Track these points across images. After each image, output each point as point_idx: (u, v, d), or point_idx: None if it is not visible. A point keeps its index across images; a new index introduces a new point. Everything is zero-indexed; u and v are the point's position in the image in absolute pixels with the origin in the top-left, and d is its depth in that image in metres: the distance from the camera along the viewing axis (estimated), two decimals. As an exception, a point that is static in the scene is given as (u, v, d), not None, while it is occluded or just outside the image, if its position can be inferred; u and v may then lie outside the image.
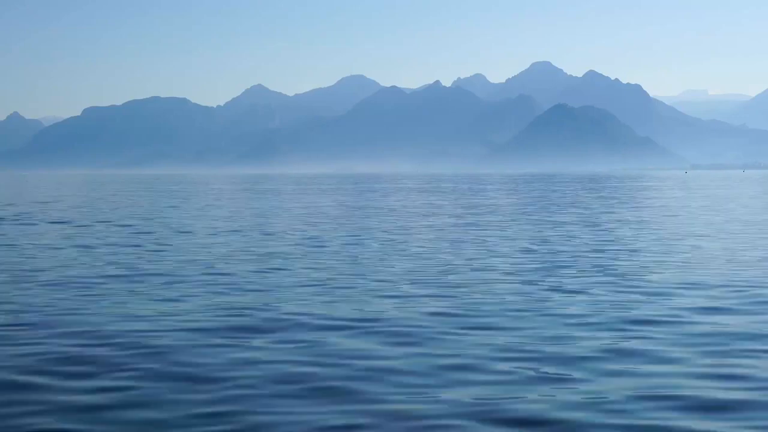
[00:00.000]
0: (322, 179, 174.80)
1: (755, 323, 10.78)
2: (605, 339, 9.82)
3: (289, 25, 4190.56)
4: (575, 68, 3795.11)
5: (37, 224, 31.59)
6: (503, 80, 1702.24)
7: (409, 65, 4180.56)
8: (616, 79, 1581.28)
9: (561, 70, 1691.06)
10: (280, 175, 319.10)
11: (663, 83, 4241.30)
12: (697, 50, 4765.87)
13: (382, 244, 22.17)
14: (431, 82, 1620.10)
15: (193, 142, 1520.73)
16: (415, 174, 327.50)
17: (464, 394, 7.54)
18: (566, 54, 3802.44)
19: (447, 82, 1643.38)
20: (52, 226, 30.27)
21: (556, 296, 13.01)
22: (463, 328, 10.42)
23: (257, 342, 9.68)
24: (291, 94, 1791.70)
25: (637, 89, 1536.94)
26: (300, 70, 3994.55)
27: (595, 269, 16.38)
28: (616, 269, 16.30)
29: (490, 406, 7.25)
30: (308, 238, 23.95)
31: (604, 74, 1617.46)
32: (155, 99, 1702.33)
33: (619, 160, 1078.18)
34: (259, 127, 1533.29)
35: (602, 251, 19.92)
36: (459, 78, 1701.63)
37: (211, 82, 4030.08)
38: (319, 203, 51.00)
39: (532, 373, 8.25)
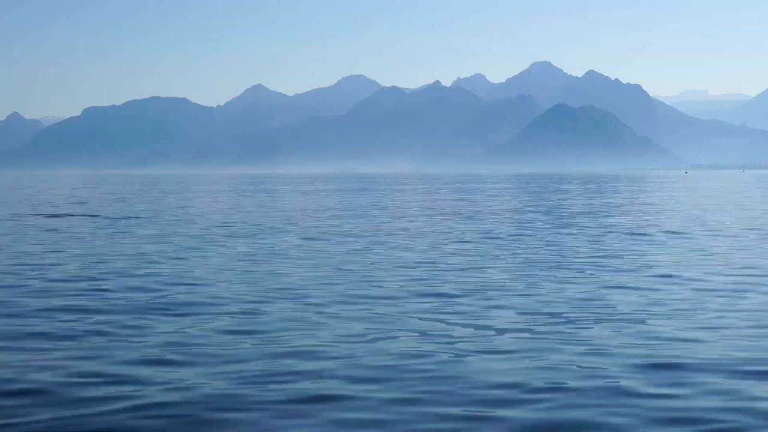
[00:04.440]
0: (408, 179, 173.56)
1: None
2: None
3: (289, 25, 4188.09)
4: (575, 68, 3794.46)
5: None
6: (503, 80, 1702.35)
7: (409, 65, 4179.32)
8: (616, 79, 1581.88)
9: (561, 70, 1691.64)
10: (298, 175, 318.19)
11: (663, 83, 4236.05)
12: (697, 50, 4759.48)
13: None
14: (431, 82, 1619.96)
15: (193, 142, 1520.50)
16: (422, 174, 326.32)
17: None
18: (566, 54, 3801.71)
19: (447, 82, 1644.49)
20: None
21: None
22: None
23: None
24: (291, 94, 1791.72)
25: (637, 89, 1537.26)
26: (300, 70, 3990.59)
27: None
28: None
29: None
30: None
31: (604, 74, 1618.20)
32: (155, 99, 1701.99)
33: (619, 160, 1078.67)
34: (259, 127, 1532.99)
35: None
36: (459, 78, 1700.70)
37: (211, 82, 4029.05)
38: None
39: None
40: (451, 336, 10.50)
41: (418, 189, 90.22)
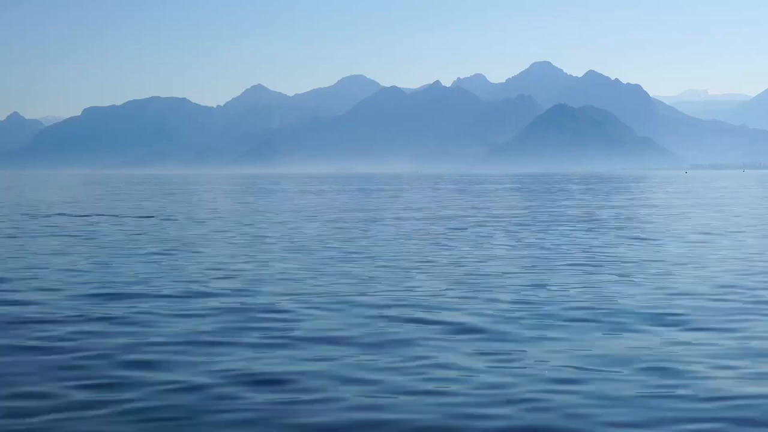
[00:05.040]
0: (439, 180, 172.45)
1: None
2: None
3: (289, 25, 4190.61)
4: (575, 68, 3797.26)
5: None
6: (503, 80, 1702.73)
7: (409, 65, 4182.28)
8: (616, 79, 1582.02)
9: (561, 70, 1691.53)
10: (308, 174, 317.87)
11: (663, 83, 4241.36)
12: (697, 50, 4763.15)
13: None
14: (431, 82, 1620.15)
15: (193, 142, 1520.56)
16: (425, 174, 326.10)
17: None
18: (566, 54, 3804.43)
19: (447, 82, 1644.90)
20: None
21: None
22: None
23: None
24: (291, 94, 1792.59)
25: (637, 89, 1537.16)
26: (300, 70, 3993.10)
27: None
28: None
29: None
30: None
31: (604, 74, 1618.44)
32: (155, 99, 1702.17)
33: (619, 160, 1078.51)
34: (259, 127, 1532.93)
35: None
36: (459, 78, 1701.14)
37: (211, 82, 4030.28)
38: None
39: None
40: None
41: (479, 189, 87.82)
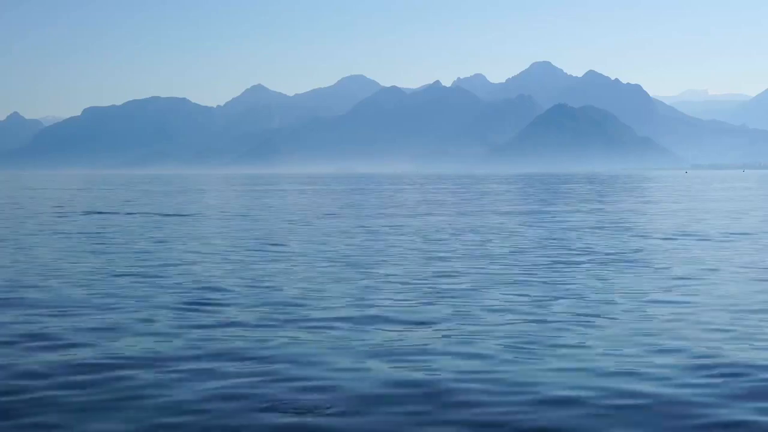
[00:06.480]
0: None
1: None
2: None
3: (289, 25, 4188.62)
4: (575, 68, 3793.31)
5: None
6: (503, 80, 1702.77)
7: (409, 65, 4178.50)
8: (616, 79, 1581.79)
9: (561, 70, 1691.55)
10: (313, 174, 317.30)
11: (663, 83, 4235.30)
12: (697, 50, 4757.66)
13: None
14: (431, 82, 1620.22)
15: (193, 142, 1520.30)
16: (424, 174, 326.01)
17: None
18: (566, 54, 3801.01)
19: (447, 82, 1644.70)
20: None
21: None
22: None
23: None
24: (291, 94, 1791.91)
25: (637, 89, 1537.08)
26: (300, 70, 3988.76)
27: None
28: None
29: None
30: None
31: (604, 74, 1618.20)
32: (155, 99, 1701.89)
33: (619, 160, 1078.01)
34: (259, 127, 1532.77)
35: None
36: (459, 78, 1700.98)
37: (211, 82, 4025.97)
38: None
39: None
40: None
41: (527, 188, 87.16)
